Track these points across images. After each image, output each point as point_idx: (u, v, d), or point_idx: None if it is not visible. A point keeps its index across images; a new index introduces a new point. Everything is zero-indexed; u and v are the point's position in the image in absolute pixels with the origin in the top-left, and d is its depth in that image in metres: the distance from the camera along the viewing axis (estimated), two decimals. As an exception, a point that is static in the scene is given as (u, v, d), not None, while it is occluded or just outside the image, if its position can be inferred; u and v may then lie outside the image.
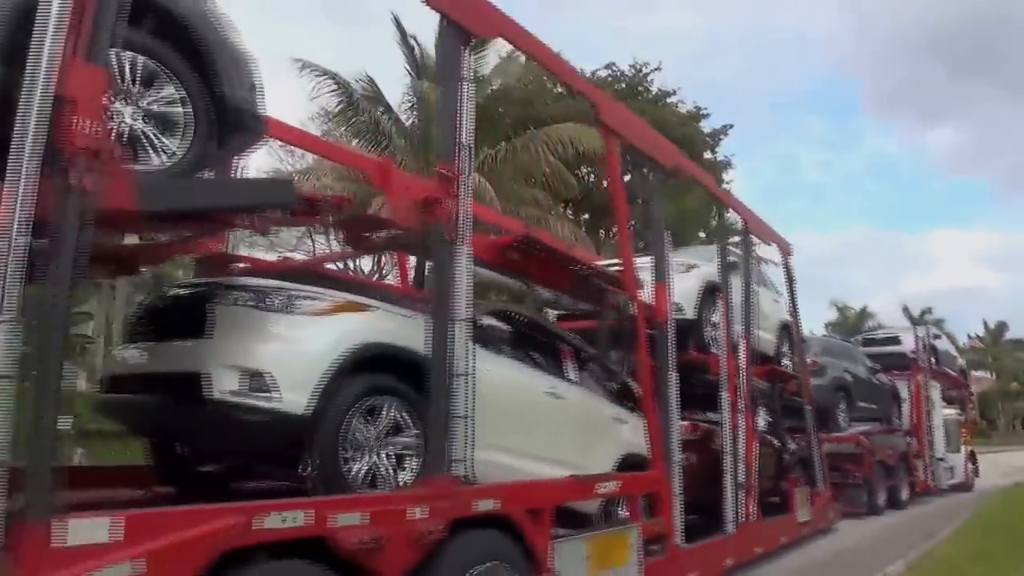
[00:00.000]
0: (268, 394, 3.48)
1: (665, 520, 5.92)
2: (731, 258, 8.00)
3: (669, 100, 26.30)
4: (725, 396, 7.23)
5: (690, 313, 7.37)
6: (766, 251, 9.76)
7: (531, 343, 5.37)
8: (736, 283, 7.92)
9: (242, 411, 3.47)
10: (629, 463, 5.94)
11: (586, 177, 22.56)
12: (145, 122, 3.12)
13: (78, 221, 2.55)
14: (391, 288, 6.19)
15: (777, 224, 9.92)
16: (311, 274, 4.73)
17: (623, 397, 6.34)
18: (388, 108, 17.10)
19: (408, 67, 17.40)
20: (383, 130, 16.31)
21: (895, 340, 17.61)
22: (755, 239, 8.88)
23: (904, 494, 14.01)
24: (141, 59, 3.09)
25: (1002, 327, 59.25)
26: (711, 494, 7.12)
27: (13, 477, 2.37)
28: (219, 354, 3.54)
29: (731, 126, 27.65)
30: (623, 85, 25.75)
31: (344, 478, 3.63)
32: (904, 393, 15.85)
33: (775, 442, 9.02)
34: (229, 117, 3.40)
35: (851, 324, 42.82)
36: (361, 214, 4.06)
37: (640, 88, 26.05)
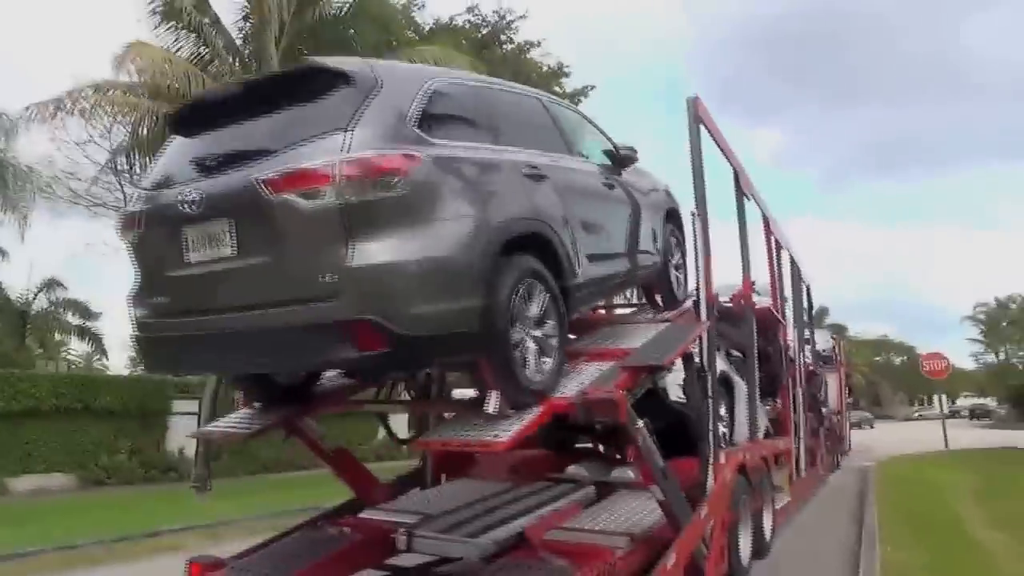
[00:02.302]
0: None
1: (791, 465, 10.05)
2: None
3: (531, 54, 24.56)
4: (799, 391, 11.43)
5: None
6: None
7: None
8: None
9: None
10: (766, 434, 9.98)
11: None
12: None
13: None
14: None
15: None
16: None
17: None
18: (217, 20, 16.22)
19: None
20: (208, 41, 15.84)
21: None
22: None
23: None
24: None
25: (823, 313, 60.99)
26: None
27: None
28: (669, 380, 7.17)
29: (592, 87, 25.11)
30: (485, 31, 24.35)
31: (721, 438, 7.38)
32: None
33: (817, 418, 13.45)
34: None
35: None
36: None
37: (503, 36, 24.47)
